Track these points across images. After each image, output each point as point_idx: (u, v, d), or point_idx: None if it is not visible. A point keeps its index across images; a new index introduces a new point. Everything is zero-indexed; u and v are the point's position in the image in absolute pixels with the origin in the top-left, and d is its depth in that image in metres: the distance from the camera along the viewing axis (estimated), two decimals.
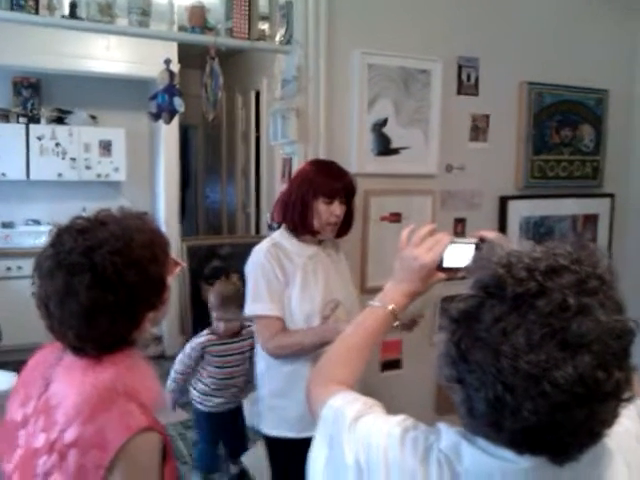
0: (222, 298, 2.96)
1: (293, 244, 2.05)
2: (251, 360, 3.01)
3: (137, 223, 1.17)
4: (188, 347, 2.97)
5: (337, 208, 2.00)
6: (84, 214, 1.17)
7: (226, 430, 3.08)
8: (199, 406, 3.01)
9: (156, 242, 1.18)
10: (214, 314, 2.98)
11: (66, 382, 1.11)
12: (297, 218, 2.02)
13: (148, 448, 1.07)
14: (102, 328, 1.09)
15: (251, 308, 2.01)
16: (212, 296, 3.01)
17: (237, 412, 3.11)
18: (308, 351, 1.92)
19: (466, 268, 0.87)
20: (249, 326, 2.98)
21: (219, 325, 2.96)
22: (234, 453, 3.19)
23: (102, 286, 1.07)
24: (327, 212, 1.99)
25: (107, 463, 1.01)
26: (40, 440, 1.09)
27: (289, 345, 1.97)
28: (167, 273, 1.20)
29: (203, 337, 2.98)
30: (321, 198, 1.99)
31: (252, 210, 5.99)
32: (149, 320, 1.16)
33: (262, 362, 2.10)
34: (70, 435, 1.05)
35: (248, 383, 3.01)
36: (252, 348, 2.93)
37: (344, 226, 2.09)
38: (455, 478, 0.80)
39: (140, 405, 1.09)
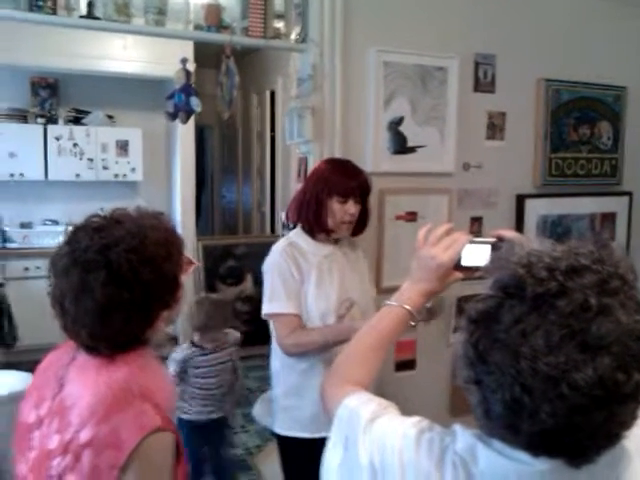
0: (206, 325, 2.87)
1: (309, 243, 2.05)
2: (235, 369, 3.00)
3: (152, 222, 1.17)
4: (171, 365, 2.81)
5: (352, 207, 2.00)
6: (100, 213, 1.17)
7: (211, 442, 2.97)
8: (183, 415, 2.87)
9: (171, 241, 1.18)
10: (197, 336, 2.88)
11: (80, 382, 1.12)
12: (312, 217, 2.02)
13: (162, 448, 1.07)
14: (116, 326, 1.09)
15: (268, 307, 2.01)
16: (195, 319, 2.89)
17: (222, 422, 3.00)
18: (324, 349, 1.92)
19: (484, 268, 0.86)
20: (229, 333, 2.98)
21: (205, 344, 2.87)
22: (219, 474, 3.05)
23: (117, 283, 1.07)
24: (341, 211, 1.99)
25: (121, 463, 1.02)
26: (54, 441, 1.09)
27: (306, 343, 1.96)
28: (181, 272, 1.20)
29: (185, 351, 2.85)
30: (335, 197, 1.98)
31: (267, 209, 6.01)
32: (163, 319, 1.16)
33: (277, 361, 2.09)
34: (85, 436, 1.05)
35: (231, 392, 2.97)
36: (231, 360, 2.93)
37: (360, 225, 2.09)
38: None
39: (154, 405, 1.09)
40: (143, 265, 1.09)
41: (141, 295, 1.10)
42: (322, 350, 1.93)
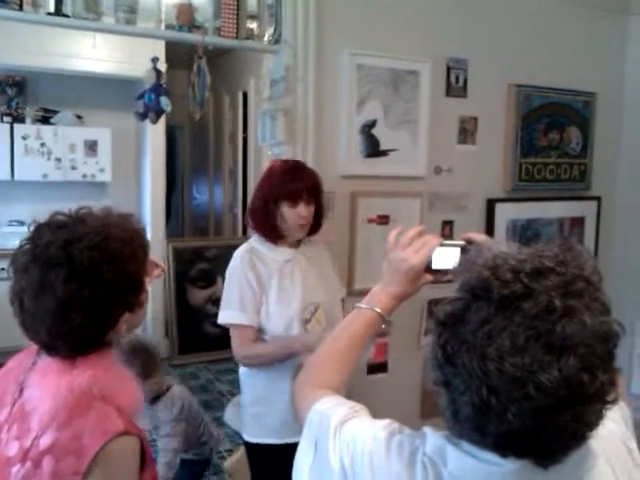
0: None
1: (269, 248, 2.03)
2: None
3: (117, 220, 1.15)
4: None
5: (303, 209, 1.96)
6: (65, 211, 1.15)
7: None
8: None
9: (136, 240, 1.16)
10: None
11: (41, 387, 1.09)
12: (263, 224, 2.00)
13: (126, 453, 1.05)
14: (76, 325, 1.06)
15: (222, 315, 2.00)
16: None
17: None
18: (276, 362, 1.92)
19: (452, 270, 0.86)
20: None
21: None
22: None
23: (78, 281, 1.05)
24: (293, 215, 1.96)
25: (84, 469, 0.99)
26: (13, 448, 1.06)
27: (255, 356, 1.97)
28: (146, 274, 1.18)
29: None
30: (285, 202, 1.95)
31: (239, 211, 5.98)
32: (125, 321, 1.14)
33: (243, 369, 2.08)
34: (45, 441, 1.02)
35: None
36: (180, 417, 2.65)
37: (315, 224, 2.06)
38: None
39: (117, 408, 1.06)
40: (105, 263, 1.07)
41: (102, 294, 1.07)
42: (274, 363, 1.93)
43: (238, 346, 1.98)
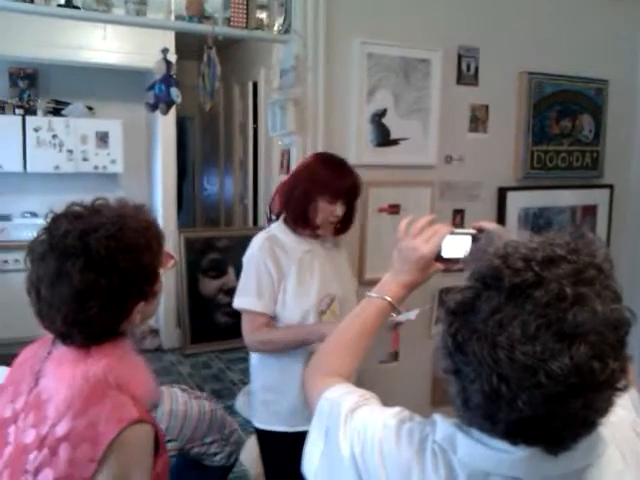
0: None
1: (290, 237, 2.02)
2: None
3: (133, 211, 1.17)
4: None
5: (339, 209, 1.97)
6: (81, 202, 1.16)
7: None
8: None
9: (151, 231, 1.18)
10: None
11: (57, 376, 1.10)
12: (299, 212, 1.98)
13: (140, 440, 1.06)
14: (92, 313, 1.08)
15: (238, 301, 2.00)
16: None
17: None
18: (288, 349, 1.93)
19: (463, 259, 0.86)
20: None
21: None
22: None
23: (95, 270, 1.07)
24: (328, 211, 1.96)
25: (99, 456, 1.01)
26: (30, 436, 1.08)
27: (268, 341, 1.97)
28: (160, 264, 1.19)
29: None
30: (325, 197, 1.95)
31: (250, 202, 5.99)
32: (139, 311, 1.15)
33: (254, 356, 2.09)
34: (61, 429, 1.04)
35: None
36: None
37: (344, 225, 2.07)
38: (450, 469, 0.80)
39: (132, 397, 1.08)
40: (121, 253, 1.09)
41: (118, 283, 1.09)
42: (287, 349, 1.94)
43: (250, 331, 1.98)
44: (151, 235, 1.17)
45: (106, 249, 1.07)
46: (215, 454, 2.36)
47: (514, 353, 0.69)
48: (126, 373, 1.11)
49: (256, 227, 5.46)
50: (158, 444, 1.11)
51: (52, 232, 1.10)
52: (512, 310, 0.71)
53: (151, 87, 2.65)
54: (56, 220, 1.12)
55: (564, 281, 0.71)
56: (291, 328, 1.96)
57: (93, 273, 1.06)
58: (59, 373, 1.10)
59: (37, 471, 1.05)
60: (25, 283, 1.12)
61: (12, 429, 1.13)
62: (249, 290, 1.97)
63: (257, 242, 2.01)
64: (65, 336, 1.12)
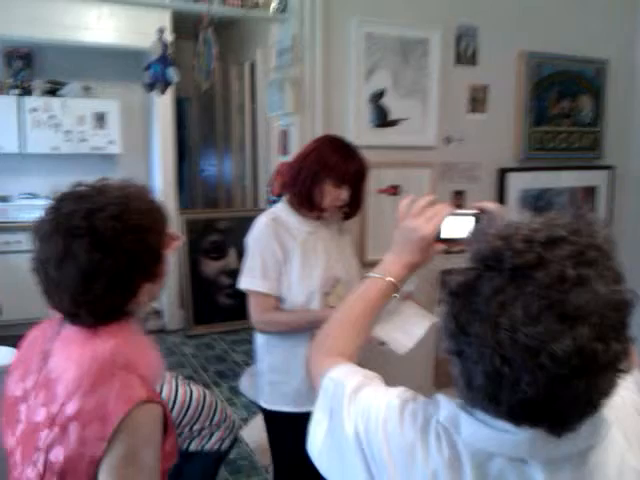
0: None
1: (294, 219, 2.02)
2: None
3: (137, 192, 1.17)
4: None
5: (344, 193, 1.96)
6: (86, 182, 1.16)
7: None
8: None
9: (155, 212, 1.18)
10: None
11: (65, 355, 1.11)
12: (305, 194, 1.97)
13: (149, 419, 1.07)
14: (98, 293, 1.08)
15: (243, 281, 2.00)
16: None
17: None
18: (295, 331, 1.94)
19: (464, 240, 0.86)
20: None
21: None
22: None
23: (101, 250, 1.07)
24: (334, 195, 1.95)
25: (108, 435, 1.02)
26: (41, 414, 1.09)
27: (277, 323, 1.98)
28: (165, 245, 1.19)
29: None
30: (332, 180, 1.94)
31: (249, 183, 5.97)
32: (146, 291, 1.16)
33: (260, 336, 2.09)
34: (71, 408, 1.05)
35: None
36: None
37: (352, 209, 2.06)
38: (454, 449, 0.80)
39: (140, 377, 1.09)
40: (127, 233, 1.09)
41: (124, 263, 1.09)
42: (294, 331, 1.95)
43: (258, 313, 1.98)
44: (156, 216, 1.17)
45: (112, 229, 1.07)
46: (204, 440, 2.35)
47: (516, 334, 0.69)
48: (134, 353, 1.12)
49: (256, 208, 5.45)
50: (167, 424, 1.12)
51: (58, 212, 1.10)
52: (514, 291, 0.71)
53: (148, 67, 2.62)
54: (61, 200, 1.12)
55: (566, 262, 0.71)
56: (300, 312, 1.97)
57: (99, 253, 1.07)
58: (68, 353, 1.11)
59: (49, 448, 1.06)
60: (31, 262, 1.12)
61: (23, 407, 1.14)
62: (254, 271, 1.97)
63: (261, 223, 2.00)
64: (73, 316, 1.13)
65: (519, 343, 0.69)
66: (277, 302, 1.98)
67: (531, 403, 0.72)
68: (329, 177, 1.93)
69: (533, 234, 0.74)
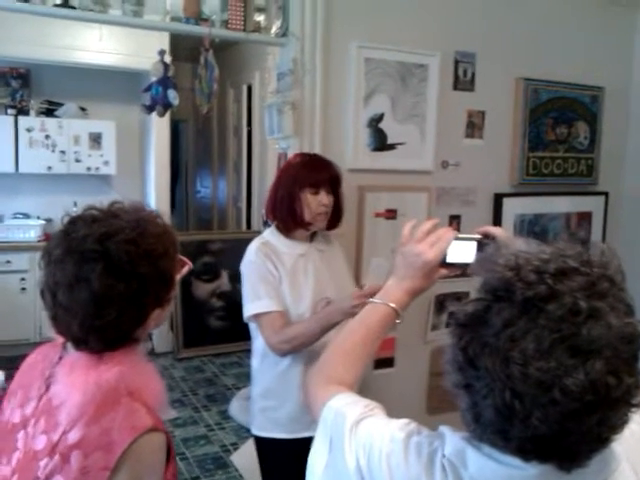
0: None
1: (283, 242, 2.03)
2: None
3: (150, 216, 1.15)
4: None
5: (324, 197, 1.99)
6: (97, 205, 1.14)
7: None
8: None
9: (168, 236, 1.16)
10: None
11: (69, 381, 1.08)
12: (286, 212, 1.99)
13: (153, 448, 1.05)
14: (109, 319, 1.05)
15: (251, 307, 1.96)
16: None
17: None
18: (315, 339, 1.86)
19: (471, 267, 0.85)
20: None
21: None
22: None
23: (115, 275, 1.04)
24: (315, 202, 1.98)
25: (113, 465, 0.99)
26: (41, 442, 1.06)
27: (294, 337, 1.89)
28: (176, 270, 1.17)
29: None
30: (307, 189, 1.97)
31: (243, 205, 5.96)
32: (154, 318, 1.13)
33: (255, 361, 2.07)
34: (74, 436, 1.02)
35: None
36: None
37: (334, 218, 2.07)
38: None
39: (144, 404, 1.06)
40: (141, 258, 1.07)
41: (137, 289, 1.06)
42: (314, 340, 1.87)
43: (273, 334, 1.91)
44: (168, 240, 1.15)
45: (127, 254, 1.05)
46: None
47: (528, 369, 0.68)
48: (139, 381, 1.09)
49: (250, 230, 5.44)
50: (169, 452, 1.09)
51: (70, 235, 1.07)
52: (525, 324, 0.69)
53: (148, 89, 2.61)
54: (74, 223, 1.10)
55: (578, 294, 0.69)
56: (311, 317, 1.94)
57: (113, 278, 1.04)
58: (71, 379, 1.08)
59: (48, 478, 1.03)
60: (39, 286, 1.09)
61: (21, 434, 1.11)
62: (259, 294, 1.94)
63: (253, 248, 2.01)
64: (80, 341, 1.10)
65: (531, 378, 0.68)
66: (287, 317, 1.95)
67: (542, 439, 0.70)
68: (304, 187, 1.97)
69: (544, 265, 0.72)
